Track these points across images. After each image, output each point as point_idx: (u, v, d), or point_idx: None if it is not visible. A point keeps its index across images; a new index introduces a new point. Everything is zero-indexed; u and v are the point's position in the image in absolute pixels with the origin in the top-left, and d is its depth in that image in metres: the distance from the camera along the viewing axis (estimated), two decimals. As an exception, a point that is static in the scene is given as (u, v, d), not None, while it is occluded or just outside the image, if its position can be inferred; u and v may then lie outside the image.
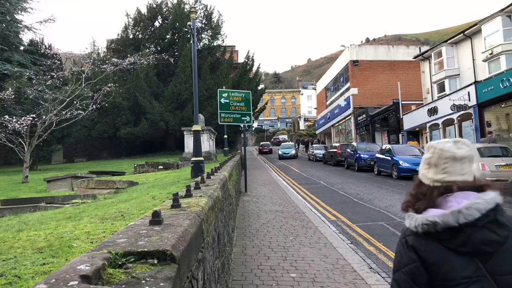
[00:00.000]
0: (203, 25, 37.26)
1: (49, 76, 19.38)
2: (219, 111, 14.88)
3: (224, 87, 25.11)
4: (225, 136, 26.60)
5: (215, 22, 37.64)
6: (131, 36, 36.28)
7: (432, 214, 1.57)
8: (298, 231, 8.24)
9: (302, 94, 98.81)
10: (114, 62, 22.31)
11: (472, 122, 21.24)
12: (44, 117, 17.77)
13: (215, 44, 37.52)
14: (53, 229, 3.73)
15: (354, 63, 39.94)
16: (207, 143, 21.36)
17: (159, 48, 33.78)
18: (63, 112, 18.21)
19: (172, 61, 30.09)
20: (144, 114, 31.56)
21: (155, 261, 1.60)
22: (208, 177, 5.49)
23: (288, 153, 39.40)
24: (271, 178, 20.25)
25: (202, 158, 9.16)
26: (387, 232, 8.34)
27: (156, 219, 2.13)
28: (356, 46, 42.40)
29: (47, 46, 30.72)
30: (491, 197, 1.55)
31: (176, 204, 2.80)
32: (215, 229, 3.63)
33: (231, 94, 15.45)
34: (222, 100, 15.00)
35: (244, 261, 6.13)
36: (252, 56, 38.54)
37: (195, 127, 9.27)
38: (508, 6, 21.56)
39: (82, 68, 22.16)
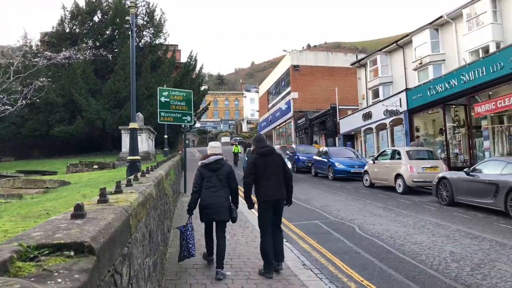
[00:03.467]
0: (145, 22, 36.32)
1: (-28, 68, 17.91)
2: (158, 109, 14.57)
3: (165, 86, 24.61)
4: (165, 136, 26.03)
5: (157, 20, 36.84)
6: (67, 30, 34.51)
7: (204, 161, 5.76)
8: (236, 230, 8.27)
9: (245, 96, 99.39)
10: (47, 56, 21.02)
11: (403, 127, 22.51)
12: (-34, 111, 16.43)
13: (157, 42, 36.72)
14: (-33, 228, 3.45)
15: (295, 68, 40.90)
16: (146, 143, 20.84)
17: (97, 44, 32.38)
18: (-12, 107, 16.93)
19: (111, 57, 28.95)
20: (80, 112, 30.14)
21: (72, 253, 1.53)
22: (143, 175, 5.36)
23: None
24: (211, 179, 20.12)
25: (139, 157, 8.92)
26: (321, 231, 8.61)
27: (78, 212, 2.04)
28: (297, 51, 43.44)
29: (-29, 36, 28.39)
30: (218, 156, 5.79)
31: (103, 199, 2.70)
32: (146, 226, 3.55)
33: (172, 93, 15.20)
34: (162, 99, 14.72)
35: (179, 260, 6.05)
36: (195, 56, 38.22)
37: (132, 125, 9.01)
38: (435, 20, 23.18)
39: (11, 61, 20.69)
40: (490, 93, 16.69)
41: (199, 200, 5.68)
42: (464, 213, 10.43)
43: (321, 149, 23.27)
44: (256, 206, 6.08)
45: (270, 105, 52.09)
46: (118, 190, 3.34)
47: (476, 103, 17.17)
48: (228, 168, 5.84)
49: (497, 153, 16.40)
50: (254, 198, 5.91)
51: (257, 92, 71.66)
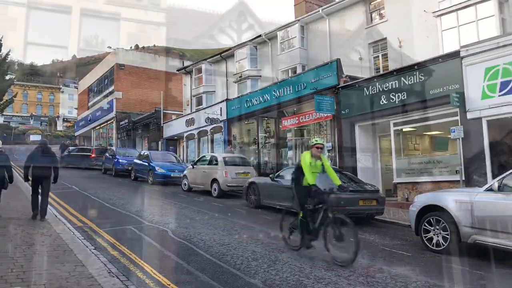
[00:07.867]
0: None
1: None
2: None
3: (-45, 70, 20.60)
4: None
5: (-50, -10, 30.67)
6: None
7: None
8: (36, 239, 7.46)
9: (62, 91, 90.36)
10: None
11: (222, 134, 23.81)
12: None
13: None
14: None
15: (120, 66, 39.31)
16: None
17: None
18: None
19: None
20: None
21: None
22: None
23: None
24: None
25: None
26: (134, 236, 8.44)
27: None
28: (123, 50, 41.85)
29: None
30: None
31: None
32: None
33: (-37, 80, 12.89)
34: (-51, 86, 12.35)
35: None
36: (1, 40, 33.13)
37: None
38: (255, 38, 25.38)
39: None
40: (295, 109, 19.05)
41: None
42: (268, 215, 11.62)
43: (142, 152, 22.83)
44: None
45: (90, 103, 48.68)
46: None
47: (283, 117, 19.37)
48: (5, 156, 9.20)
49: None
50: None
51: (76, 88, 65.97)
